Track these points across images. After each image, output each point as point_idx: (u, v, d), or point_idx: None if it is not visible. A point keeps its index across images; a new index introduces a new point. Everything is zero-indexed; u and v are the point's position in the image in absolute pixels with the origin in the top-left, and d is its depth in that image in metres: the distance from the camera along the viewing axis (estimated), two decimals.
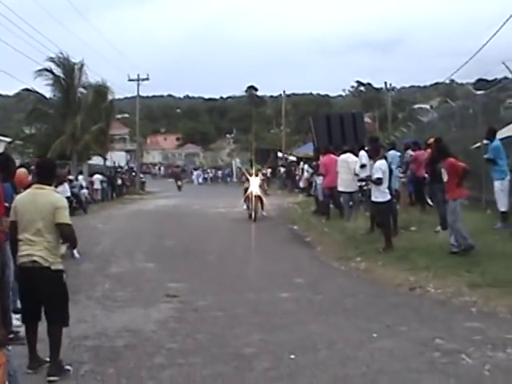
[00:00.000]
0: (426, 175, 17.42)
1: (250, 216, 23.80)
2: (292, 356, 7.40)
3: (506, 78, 18.06)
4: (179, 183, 59.50)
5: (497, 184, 16.02)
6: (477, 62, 29.10)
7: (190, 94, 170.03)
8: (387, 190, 14.78)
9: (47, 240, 7.15)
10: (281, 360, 7.29)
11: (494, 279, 10.38)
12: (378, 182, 14.41)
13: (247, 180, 25.38)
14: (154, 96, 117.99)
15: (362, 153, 19.27)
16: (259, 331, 8.60)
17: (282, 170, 53.50)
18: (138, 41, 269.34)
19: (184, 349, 7.94)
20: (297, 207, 28.87)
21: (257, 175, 25.28)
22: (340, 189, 20.07)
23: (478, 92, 22.07)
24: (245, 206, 25.21)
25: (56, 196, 7.42)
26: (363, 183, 18.04)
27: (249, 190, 24.24)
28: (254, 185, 24.25)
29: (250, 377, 6.76)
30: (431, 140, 15.05)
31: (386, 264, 13.06)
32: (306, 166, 37.64)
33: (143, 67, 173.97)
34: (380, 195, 14.52)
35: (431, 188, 16.56)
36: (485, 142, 18.79)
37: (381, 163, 14.73)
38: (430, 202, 19.04)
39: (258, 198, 24.43)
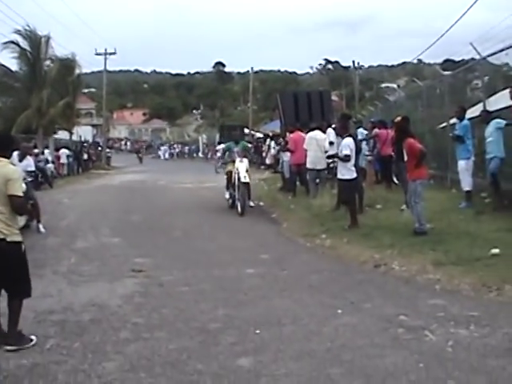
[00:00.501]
0: (393, 154, 17.50)
1: (232, 206, 19.99)
2: (257, 331, 7.43)
3: (473, 59, 18.18)
4: (140, 155, 66.34)
5: (462, 163, 16.18)
6: (444, 42, 29.31)
7: (158, 69, 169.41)
8: (354, 168, 14.84)
9: (1, 212, 7.06)
10: (246, 335, 7.32)
11: (458, 257, 10.50)
12: (346, 158, 14.47)
13: (232, 162, 20.11)
14: (121, 71, 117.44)
15: (330, 130, 19.31)
16: (224, 306, 8.61)
17: (249, 146, 53.42)
18: (106, 15, 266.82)
19: (149, 323, 7.94)
20: (263, 184, 28.90)
21: (245, 156, 20.24)
22: (309, 166, 20.08)
23: (446, 72, 22.22)
24: (227, 195, 20.71)
25: (10, 168, 7.31)
26: (331, 160, 18.13)
27: (234, 176, 19.61)
28: (242, 169, 19.34)
29: (216, 351, 6.77)
30: (398, 119, 15.11)
31: (351, 241, 13.13)
32: (272, 143, 37.65)
33: (111, 41, 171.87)
34: (347, 172, 14.58)
35: (397, 166, 16.65)
36: (452, 121, 18.93)
37: (349, 140, 14.79)
38: (395, 180, 19.17)
39: (246, 185, 19.33)
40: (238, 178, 19.15)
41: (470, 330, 7.28)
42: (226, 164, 21.13)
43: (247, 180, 19.09)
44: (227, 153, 21.10)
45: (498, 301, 8.54)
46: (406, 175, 13.65)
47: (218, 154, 26.26)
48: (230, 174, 20.18)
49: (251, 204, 20.44)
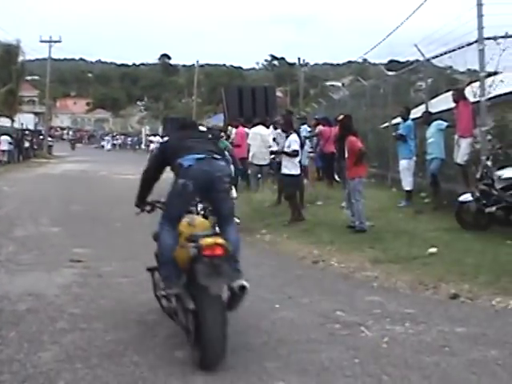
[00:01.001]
0: (335, 151, 17.63)
1: None
2: None
3: (417, 60, 18.40)
4: (72, 142, 70.76)
5: (403, 163, 16.41)
6: (390, 43, 29.48)
7: (103, 59, 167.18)
8: (299, 164, 14.98)
9: None
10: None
11: (396, 255, 10.64)
12: (295, 153, 14.64)
13: None
14: (65, 59, 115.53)
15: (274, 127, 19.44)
16: None
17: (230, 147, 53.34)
18: (53, 2, 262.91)
19: (87, 314, 7.83)
20: None
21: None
22: (253, 161, 20.15)
23: (390, 72, 22.44)
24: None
25: None
26: (272, 156, 18.19)
27: None
28: None
29: (153, 343, 6.71)
30: (341, 117, 15.25)
31: (290, 237, 13.20)
32: None
33: (56, 29, 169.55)
34: (293, 168, 14.71)
35: (339, 164, 16.77)
36: (395, 121, 19.19)
37: (296, 136, 14.95)
38: (337, 177, 19.32)
39: None
40: None
41: (406, 326, 7.36)
42: None
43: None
44: None
45: (434, 299, 8.67)
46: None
47: (153, 146, 24.06)
48: None
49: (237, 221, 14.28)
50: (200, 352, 5.99)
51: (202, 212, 9.44)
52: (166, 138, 20.93)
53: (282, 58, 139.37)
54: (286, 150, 14.89)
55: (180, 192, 6.81)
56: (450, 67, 18.56)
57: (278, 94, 60.75)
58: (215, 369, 5.91)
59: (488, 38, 13.40)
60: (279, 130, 18.13)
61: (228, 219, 7.20)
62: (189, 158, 6.71)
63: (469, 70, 15.68)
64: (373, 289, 9.34)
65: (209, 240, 6.26)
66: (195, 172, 6.65)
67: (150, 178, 7.87)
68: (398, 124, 17.82)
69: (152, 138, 54.49)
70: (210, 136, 8.27)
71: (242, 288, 6.61)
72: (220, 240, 6.33)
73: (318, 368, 6.01)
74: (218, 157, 6.94)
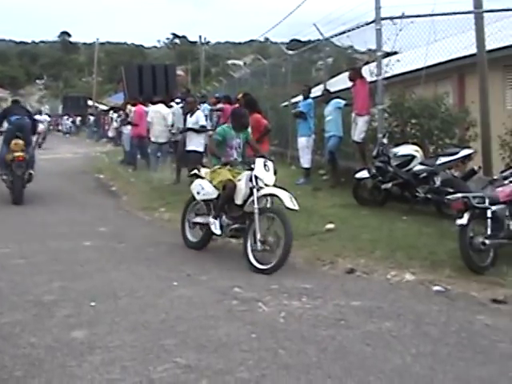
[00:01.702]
0: None
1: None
2: (92, 303, 7.28)
3: (319, 40, 18.57)
4: None
5: (302, 140, 16.57)
6: (292, 22, 29.71)
7: (1, 36, 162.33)
8: (203, 141, 14.99)
9: None
10: (81, 307, 7.15)
11: (294, 232, 10.68)
12: (203, 129, 14.65)
13: (225, 165, 10.19)
14: None
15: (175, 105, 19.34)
16: (60, 279, 8.39)
17: (92, 118, 52.48)
18: None
19: None
20: (104, 156, 28.47)
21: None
22: (152, 139, 20.01)
23: (290, 51, 22.57)
24: (216, 229, 10.11)
25: None
26: (173, 134, 18.13)
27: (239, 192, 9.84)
28: (269, 181, 9.67)
29: (50, 324, 6.58)
30: (240, 95, 15.29)
31: None
32: (115, 116, 37.10)
33: None
34: (200, 145, 14.74)
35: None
36: (294, 99, 19.34)
37: (201, 113, 14.98)
38: None
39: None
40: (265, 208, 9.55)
41: (303, 301, 7.44)
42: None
43: (295, 206, 9.21)
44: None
45: (330, 274, 8.81)
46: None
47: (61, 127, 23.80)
48: (227, 188, 9.84)
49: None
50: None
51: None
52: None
53: (184, 37, 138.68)
54: (193, 126, 14.85)
55: (9, 130, 15.71)
56: (351, 47, 18.81)
57: (179, 72, 60.31)
58: (113, 348, 5.84)
59: (385, 18, 13.58)
60: (178, 106, 18.07)
61: (30, 141, 16.16)
62: (13, 117, 15.74)
63: (369, 49, 15.92)
64: None
65: (16, 154, 15.11)
66: (16, 123, 15.66)
67: None
68: (297, 102, 17.97)
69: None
70: (24, 108, 17.03)
71: (30, 174, 15.71)
72: (21, 154, 15.19)
73: (215, 344, 6.01)
74: (26, 118, 16.02)
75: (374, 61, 14.31)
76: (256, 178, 9.50)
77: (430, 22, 13.55)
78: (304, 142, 16.57)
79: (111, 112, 40.65)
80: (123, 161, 24.34)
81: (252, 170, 9.59)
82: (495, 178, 10.44)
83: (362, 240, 10.25)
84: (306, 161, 16.60)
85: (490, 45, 13.95)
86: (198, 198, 10.46)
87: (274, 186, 9.55)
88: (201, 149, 14.87)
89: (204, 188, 10.28)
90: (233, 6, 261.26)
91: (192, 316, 6.88)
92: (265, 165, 9.64)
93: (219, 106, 21.55)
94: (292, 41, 52.65)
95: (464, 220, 8.70)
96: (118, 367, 5.45)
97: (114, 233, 12.04)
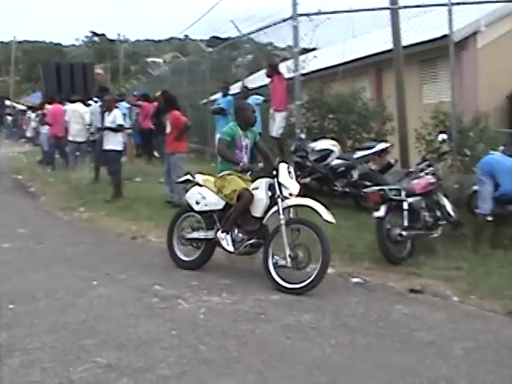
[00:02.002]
0: (153, 127, 17.62)
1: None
2: (11, 306, 7.15)
3: (239, 36, 18.62)
4: None
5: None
6: (212, 19, 29.70)
7: None
8: (121, 139, 14.88)
9: None
10: None
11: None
12: (120, 128, 14.51)
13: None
14: None
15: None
16: None
17: (10, 118, 51.45)
18: None
19: None
20: (22, 157, 27.96)
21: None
22: (70, 138, 19.76)
23: (209, 49, 22.57)
24: (229, 245, 8.61)
25: None
26: (91, 134, 17.94)
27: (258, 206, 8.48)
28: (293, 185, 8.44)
29: None
30: (158, 93, 15.23)
31: (109, 214, 13.08)
32: (33, 115, 36.48)
33: None
34: (118, 143, 14.59)
35: (157, 140, 16.77)
36: (213, 97, 19.35)
37: (119, 111, 14.84)
38: (156, 153, 19.30)
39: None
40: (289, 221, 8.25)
41: (223, 297, 7.48)
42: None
43: (333, 219, 8.06)
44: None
45: (250, 269, 8.83)
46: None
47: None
48: (244, 198, 8.45)
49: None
50: None
51: None
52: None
53: (103, 35, 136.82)
54: (110, 125, 14.71)
55: None
56: (271, 43, 18.91)
57: (98, 70, 59.52)
58: (32, 350, 5.78)
59: (302, 15, 13.69)
60: (96, 105, 17.88)
61: None
62: None
63: (289, 46, 16.04)
64: None
65: None
66: None
67: None
68: (216, 99, 17.98)
69: None
70: None
71: None
72: None
73: (135, 342, 5.99)
74: None
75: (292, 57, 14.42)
76: (280, 185, 8.24)
77: (349, 19, 13.74)
78: None
79: (29, 112, 39.92)
80: (42, 161, 23.95)
81: (274, 176, 8.30)
82: (411, 170, 10.67)
83: None
84: None
85: (406, 40, 14.20)
86: (196, 208, 8.96)
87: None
88: (119, 147, 14.72)
89: (205, 197, 8.89)
90: (152, 3, 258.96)
91: (112, 315, 6.83)
92: (289, 171, 8.41)
93: (138, 102, 21.47)
94: (212, 38, 52.64)
95: (381, 212, 8.87)
96: (37, 369, 5.36)
97: (33, 234, 11.84)
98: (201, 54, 23.80)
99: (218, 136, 16.68)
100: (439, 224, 9.67)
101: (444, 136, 11.19)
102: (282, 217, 8.00)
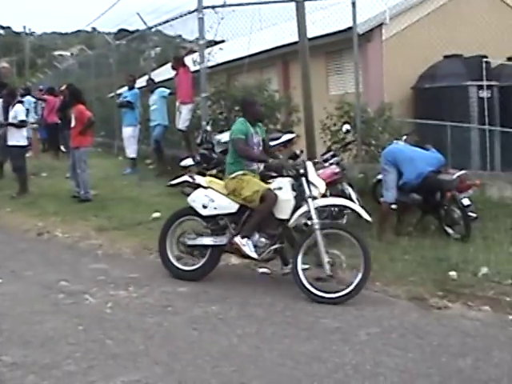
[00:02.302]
0: (59, 121, 17.36)
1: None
2: None
3: (146, 29, 18.47)
4: None
5: (128, 130, 16.50)
6: (119, 11, 29.39)
7: None
8: (26, 134, 14.61)
9: None
10: None
11: (120, 223, 10.74)
12: (23, 124, 14.20)
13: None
14: None
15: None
16: None
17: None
18: None
19: None
20: None
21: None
22: None
23: (117, 42, 22.35)
24: (254, 252, 7.80)
25: None
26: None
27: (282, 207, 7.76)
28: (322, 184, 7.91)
29: None
30: (63, 87, 15.02)
31: (14, 210, 12.83)
32: None
33: None
34: (22, 139, 14.29)
35: (63, 134, 16.53)
36: (120, 91, 19.18)
37: (21, 106, 14.53)
38: (63, 148, 19.01)
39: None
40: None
41: (129, 290, 7.46)
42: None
43: (370, 218, 7.86)
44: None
45: (157, 262, 8.75)
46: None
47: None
48: (268, 199, 7.76)
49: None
50: None
51: None
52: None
53: (8, 27, 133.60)
54: (12, 120, 14.40)
55: None
56: (180, 36, 18.84)
57: (4, 64, 58.37)
58: None
59: (207, 7, 13.69)
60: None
61: None
62: None
63: (197, 38, 16.01)
64: (97, 257, 9.36)
65: None
66: None
67: None
68: (122, 93, 17.84)
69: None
70: None
71: None
72: None
73: (41, 339, 5.93)
74: None
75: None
76: (309, 184, 7.61)
77: (256, 11, 13.82)
78: (130, 132, 16.47)
79: None
80: None
81: (301, 175, 7.67)
82: (316, 160, 10.81)
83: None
84: (131, 151, 16.52)
85: (313, 32, 14.34)
86: (204, 212, 8.04)
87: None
88: (23, 143, 14.40)
89: (215, 200, 8.03)
90: None
91: (17, 312, 6.74)
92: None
93: (43, 97, 21.12)
94: (120, 30, 52.02)
95: None
96: None
97: None
98: (107, 47, 23.52)
99: (125, 129, 16.60)
100: (344, 213, 9.77)
101: (348, 126, 11.41)
102: (316, 220, 7.37)
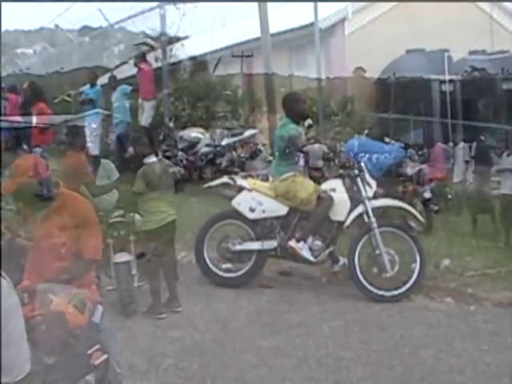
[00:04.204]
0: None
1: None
2: None
3: (112, 25, 18.34)
4: None
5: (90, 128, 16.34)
6: (82, 8, 29.20)
7: None
8: None
9: None
10: None
11: None
12: None
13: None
14: None
15: None
16: None
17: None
18: None
19: None
20: None
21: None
22: None
23: (80, 39, 22.23)
24: (310, 255, 7.41)
25: None
26: None
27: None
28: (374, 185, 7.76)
29: None
30: (26, 84, 14.90)
31: None
32: None
33: None
34: None
35: (25, 133, 16.38)
36: (82, 88, 19.02)
37: None
38: (25, 147, 18.83)
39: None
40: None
41: None
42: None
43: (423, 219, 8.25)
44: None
45: None
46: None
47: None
48: (324, 201, 7.45)
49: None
50: None
51: None
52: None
53: None
54: None
55: None
56: (143, 32, 18.75)
57: None
58: None
59: (168, 3, 13.63)
60: None
61: None
62: None
63: (161, 35, 15.95)
64: None
65: None
66: None
67: None
68: (83, 91, 17.69)
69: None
70: None
71: None
72: None
73: None
74: None
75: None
76: (365, 185, 7.43)
77: (219, 8, 13.79)
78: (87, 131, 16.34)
79: None
80: None
81: (356, 175, 7.46)
82: None
83: None
84: (95, 148, 16.37)
85: (276, 28, 14.31)
86: (251, 216, 7.61)
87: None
88: None
89: (262, 203, 7.58)
90: None
91: None
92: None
93: (6, 95, 20.88)
94: (83, 27, 51.64)
95: None
96: None
97: None
98: (70, 45, 23.36)
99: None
100: None
101: (310, 121, 11.38)
102: (373, 219, 7.23)
